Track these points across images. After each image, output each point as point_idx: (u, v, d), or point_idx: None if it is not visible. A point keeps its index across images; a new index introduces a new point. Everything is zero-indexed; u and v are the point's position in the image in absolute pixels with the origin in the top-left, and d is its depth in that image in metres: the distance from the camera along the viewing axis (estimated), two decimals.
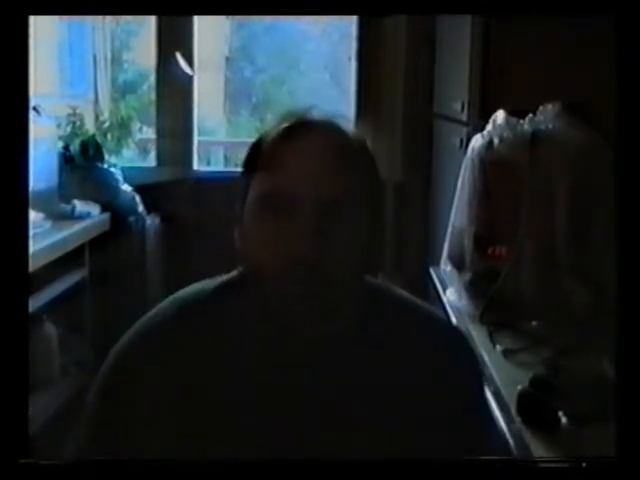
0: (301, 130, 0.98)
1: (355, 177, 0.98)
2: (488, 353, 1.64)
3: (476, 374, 1.12)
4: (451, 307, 1.96)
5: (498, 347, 1.67)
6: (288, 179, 0.95)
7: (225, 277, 1.07)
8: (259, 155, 0.99)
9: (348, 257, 0.96)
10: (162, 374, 1.00)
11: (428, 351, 1.05)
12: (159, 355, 1.01)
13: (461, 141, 2.50)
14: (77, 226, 3.08)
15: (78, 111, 3.56)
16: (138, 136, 3.93)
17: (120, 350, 1.03)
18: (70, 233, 3.00)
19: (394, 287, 1.11)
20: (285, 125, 0.99)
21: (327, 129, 1.00)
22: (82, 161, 3.42)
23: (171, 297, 1.07)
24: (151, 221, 3.54)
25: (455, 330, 1.17)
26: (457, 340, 1.11)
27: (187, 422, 0.98)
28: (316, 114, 1.01)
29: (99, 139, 3.59)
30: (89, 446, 1.01)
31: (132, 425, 0.99)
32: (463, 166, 2.02)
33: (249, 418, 0.98)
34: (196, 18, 3.71)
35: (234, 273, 1.05)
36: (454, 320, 1.87)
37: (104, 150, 3.54)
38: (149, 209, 3.53)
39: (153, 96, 3.86)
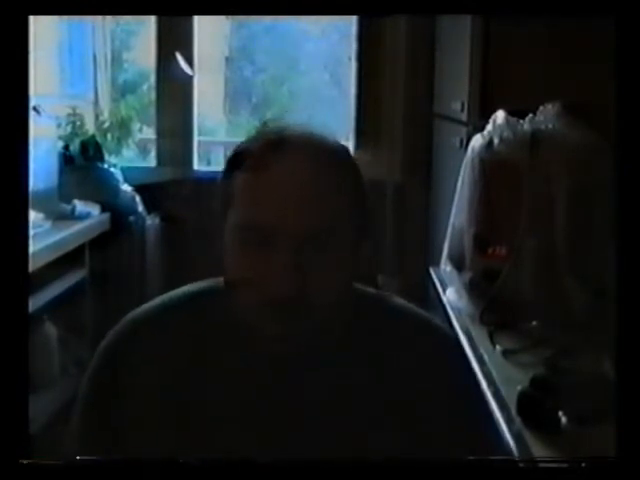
0: (279, 153, 0.93)
1: (338, 200, 0.94)
2: (488, 353, 1.64)
3: (466, 377, 1.11)
4: (451, 307, 1.96)
5: (498, 347, 1.67)
6: (266, 211, 0.92)
7: (214, 281, 1.06)
8: (238, 174, 0.96)
9: (330, 286, 0.93)
10: (147, 368, 1.01)
11: (419, 359, 1.04)
12: (146, 348, 1.03)
13: (461, 141, 2.50)
14: (77, 226, 3.08)
15: (78, 111, 3.56)
16: (138, 136, 3.93)
17: (111, 338, 1.09)
18: (70, 233, 3.00)
19: (390, 296, 1.10)
20: (263, 146, 0.95)
21: (307, 150, 0.95)
22: (82, 161, 3.43)
23: (160, 297, 1.08)
24: (151, 221, 3.54)
25: (446, 336, 1.14)
26: (447, 345, 1.10)
27: (172, 420, 0.99)
28: (293, 131, 0.96)
29: (99, 139, 3.59)
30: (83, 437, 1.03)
31: (122, 417, 1.01)
32: (463, 166, 2.02)
33: (232, 425, 0.98)
34: (196, 18, 3.71)
35: (221, 279, 1.03)
36: (454, 320, 1.87)
37: (104, 150, 3.54)
38: (149, 209, 3.53)
39: (153, 96, 3.86)
